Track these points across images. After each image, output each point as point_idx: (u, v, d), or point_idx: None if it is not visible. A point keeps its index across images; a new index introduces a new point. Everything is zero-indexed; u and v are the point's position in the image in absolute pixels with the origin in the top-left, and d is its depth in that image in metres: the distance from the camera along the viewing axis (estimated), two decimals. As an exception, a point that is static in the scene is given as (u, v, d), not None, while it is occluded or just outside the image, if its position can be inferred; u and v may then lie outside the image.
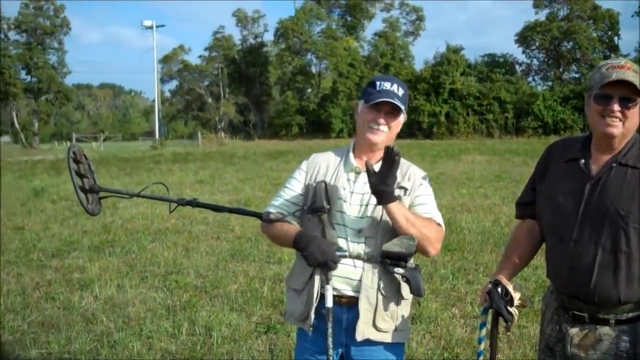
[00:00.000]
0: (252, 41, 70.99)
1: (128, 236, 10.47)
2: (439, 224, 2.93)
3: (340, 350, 3.00)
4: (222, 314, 6.26)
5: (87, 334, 5.75)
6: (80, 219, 12.11)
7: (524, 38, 58.17)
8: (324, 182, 2.95)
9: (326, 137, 53.44)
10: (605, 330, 2.63)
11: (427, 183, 3.05)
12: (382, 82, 2.99)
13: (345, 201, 2.96)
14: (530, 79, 59.45)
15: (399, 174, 2.96)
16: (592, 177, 2.64)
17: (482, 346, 2.92)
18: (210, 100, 72.24)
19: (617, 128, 2.58)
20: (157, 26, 69.04)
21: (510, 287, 2.76)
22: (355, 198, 2.97)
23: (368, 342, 2.93)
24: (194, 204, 3.05)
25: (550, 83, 56.31)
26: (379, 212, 2.91)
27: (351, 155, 3.07)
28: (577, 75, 55.85)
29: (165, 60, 74.13)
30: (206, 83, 74.48)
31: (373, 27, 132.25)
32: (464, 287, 7.16)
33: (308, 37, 63.53)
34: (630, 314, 2.60)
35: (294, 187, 3.09)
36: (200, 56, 74.43)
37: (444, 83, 52.18)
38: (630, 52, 54.96)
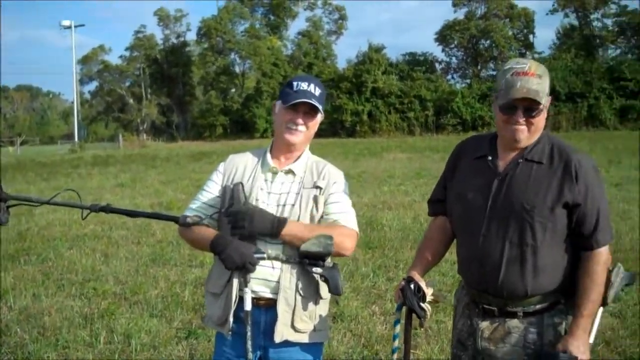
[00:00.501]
0: (175, 41, 70.23)
1: (45, 243, 10.12)
2: (348, 225, 2.95)
3: (258, 353, 2.99)
4: (141, 320, 6.14)
5: (0, 347, 5.55)
6: (-7, 226, 11.64)
7: (443, 37, 59.34)
8: (241, 183, 2.94)
9: (250, 137, 53.24)
10: (514, 323, 2.70)
11: (342, 182, 3.06)
12: (300, 83, 3.00)
13: (263, 202, 2.95)
14: (449, 77, 60.63)
15: (315, 173, 2.99)
16: (499, 173, 2.70)
17: (397, 343, 2.96)
18: (131, 101, 71.02)
19: (522, 133, 2.65)
20: (75, 26, 67.16)
21: (422, 284, 2.80)
22: (273, 198, 2.97)
23: (286, 344, 2.93)
24: (107, 209, 2.99)
25: (468, 81, 57.57)
26: (297, 212, 2.92)
27: (268, 155, 3.07)
28: (494, 73, 57.21)
29: (84, 60, 72.49)
30: (127, 84, 73.23)
31: (296, 26, 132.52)
32: (384, 285, 7.24)
33: (231, 36, 63.23)
34: (538, 306, 2.68)
35: (212, 190, 3.06)
36: (121, 56, 73.28)
37: (366, 82, 52.67)
38: (545, 49, 56.83)
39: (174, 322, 6.11)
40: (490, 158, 2.75)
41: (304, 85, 2.97)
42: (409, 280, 2.80)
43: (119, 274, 8.06)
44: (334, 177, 3.03)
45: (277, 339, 2.89)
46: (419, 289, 2.77)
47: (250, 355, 2.81)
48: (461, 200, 2.80)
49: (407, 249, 8.97)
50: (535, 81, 2.58)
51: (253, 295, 2.86)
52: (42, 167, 28.95)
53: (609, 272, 2.67)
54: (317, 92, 2.98)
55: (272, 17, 67.79)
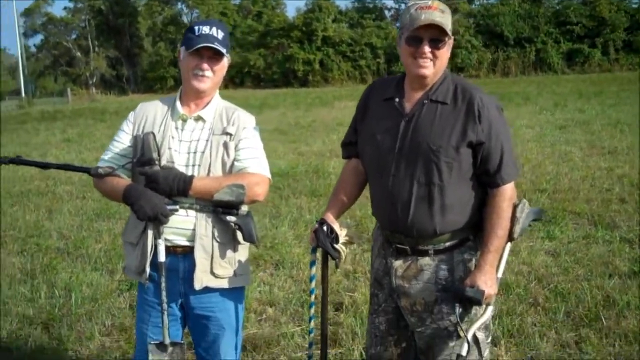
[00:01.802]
0: (119, -9, 68.26)
1: (-14, 201, 9.99)
2: (259, 171, 2.99)
3: (179, 300, 3.05)
4: (83, 274, 6.16)
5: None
6: None
7: (393, -17, 58.98)
8: (152, 132, 2.94)
9: (202, 89, 52.50)
10: (425, 260, 2.79)
11: (253, 128, 3.07)
12: (201, 27, 2.98)
13: (175, 150, 2.96)
14: (398, 23, 60.35)
15: (224, 119, 3.01)
16: (406, 114, 2.76)
17: (314, 284, 3.05)
18: (79, 54, 69.20)
19: (428, 69, 2.70)
20: (15, -23, 64.97)
21: (336, 225, 2.87)
22: (184, 146, 2.98)
23: (207, 290, 2.99)
24: (17, 161, 2.98)
25: (418, 27, 57.44)
26: (207, 159, 2.94)
27: (178, 103, 3.06)
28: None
29: (27, 13, 70.15)
30: (74, 36, 71.18)
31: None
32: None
33: (177, -16, 61.75)
34: (447, 244, 2.77)
35: (123, 140, 3.06)
36: (65, 8, 71.12)
37: (317, 30, 52.05)
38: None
39: (116, 275, 6.13)
40: (397, 100, 2.80)
41: (205, 29, 2.95)
42: (322, 222, 2.87)
43: (63, 229, 8.03)
44: (244, 123, 3.04)
45: (197, 285, 2.94)
46: (331, 230, 2.84)
47: (165, 305, 2.86)
48: (371, 142, 2.85)
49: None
50: (439, 14, 2.64)
51: (169, 244, 2.91)
52: (-13, 124, 28.25)
53: (515, 207, 2.77)
54: (220, 35, 2.97)
55: (218, -35, 66.38)
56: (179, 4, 63.23)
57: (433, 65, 2.70)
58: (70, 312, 5.28)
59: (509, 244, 2.82)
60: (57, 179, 11.56)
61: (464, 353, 2.64)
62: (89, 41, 67.82)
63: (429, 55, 2.68)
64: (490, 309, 2.75)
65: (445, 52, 2.72)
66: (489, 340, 2.88)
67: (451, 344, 2.77)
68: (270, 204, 8.71)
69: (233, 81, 51.78)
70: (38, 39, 73.66)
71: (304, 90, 44.63)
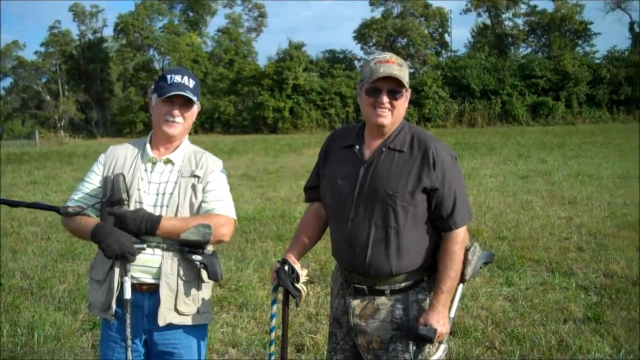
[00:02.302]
0: (91, 37, 68.52)
1: (-50, 241, 9.92)
2: (225, 213, 3.11)
3: (143, 337, 3.12)
4: (46, 313, 6.15)
5: None
6: None
7: (362, 35, 59.80)
8: (122, 174, 3.05)
9: (171, 134, 52.50)
10: (382, 300, 2.92)
11: (220, 171, 3.22)
12: (173, 75, 3.13)
13: (144, 191, 3.08)
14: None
15: (193, 162, 3.14)
16: (365, 161, 2.92)
17: (274, 322, 3.15)
18: (48, 97, 69.00)
19: (386, 118, 2.87)
20: (-14, 21, 64.84)
21: (297, 266, 3.00)
22: (153, 187, 3.10)
23: (170, 327, 3.08)
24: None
25: (387, 78, 58.19)
26: (175, 200, 3.06)
27: (148, 146, 3.19)
28: (412, 71, 58.20)
29: (-3, 56, 69.97)
30: (44, 80, 71.07)
31: (216, 23, 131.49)
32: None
33: (150, 32, 62.10)
34: (403, 284, 2.91)
35: (92, 180, 3.16)
36: (36, 52, 71.08)
37: (287, 79, 52.67)
38: (460, 47, 58.03)
39: (79, 315, 6.15)
40: (357, 147, 2.97)
41: (177, 78, 3.11)
42: (284, 262, 2.99)
43: (27, 269, 8.00)
44: (212, 166, 3.19)
45: (161, 322, 3.03)
46: (292, 270, 2.97)
47: (129, 341, 2.94)
48: (332, 187, 3.00)
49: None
50: (396, 67, 2.83)
51: (135, 282, 3.01)
52: (-47, 165, 27.93)
53: (467, 251, 2.92)
54: (191, 84, 3.13)
55: (190, 14, 67.00)
56: (151, 50, 63.58)
57: (391, 115, 2.87)
58: (32, 351, 5.29)
59: (461, 285, 2.96)
60: (22, 219, 11.53)
61: (416, 389, 2.76)
62: (59, 85, 67.77)
63: (387, 105, 2.85)
64: (443, 347, 2.88)
65: (402, 103, 2.90)
66: (441, 377, 2.99)
67: (406, 380, 2.88)
68: (236, 247, 8.80)
69: (203, 126, 52.02)
70: (7, 82, 73.32)
71: (274, 136, 44.98)
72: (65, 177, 19.71)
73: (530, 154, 22.07)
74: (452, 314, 2.93)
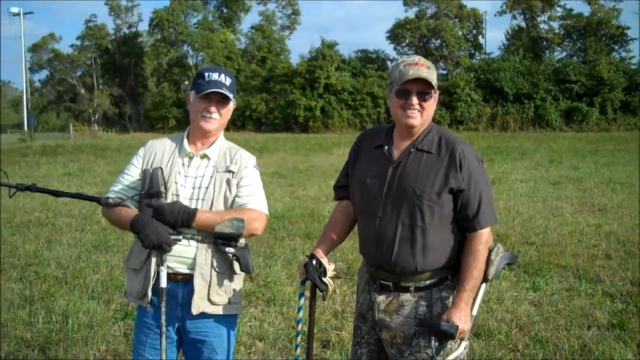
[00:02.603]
0: (126, 31, 69.43)
1: (-12, 230, 10.20)
2: (258, 208, 3.24)
3: (176, 324, 3.25)
4: (80, 302, 6.33)
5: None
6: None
7: (395, 35, 59.85)
8: (160, 168, 3.19)
9: (203, 131, 52.87)
10: (406, 297, 3.02)
11: (254, 167, 3.34)
12: (211, 73, 3.26)
13: (181, 185, 3.21)
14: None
15: (227, 158, 3.27)
16: (394, 161, 3.02)
17: (301, 314, 3.26)
18: (83, 91, 70.02)
19: (416, 119, 2.97)
20: (24, 13, 65.76)
21: (324, 260, 3.10)
22: (189, 181, 3.23)
23: (203, 315, 3.20)
24: (32, 188, 3.20)
25: (420, 79, 58.03)
26: (211, 194, 3.19)
27: (185, 141, 3.31)
28: (444, 72, 58.06)
29: (34, 48, 71.13)
30: (79, 73, 72.12)
31: (249, 20, 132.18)
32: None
33: (184, 28, 62.73)
34: (427, 282, 3.00)
35: (132, 173, 3.30)
36: (72, 45, 72.14)
37: (319, 78, 52.87)
38: (494, 50, 57.77)
39: (112, 305, 6.32)
40: (386, 147, 3.07)
41: (214, 76, 3.23)
42: (312, 256, 3.10)
43: (61, 259, 8.21)
44: (246, 162, 3.31)
45: (194, 311, 3.16)
46: (320, 264, 3.08)
47: (164, 328, 3.07)
48: (361, 185, 3.10)
49: (346, 239, 9.25)
50: (425, 70, 2.92)
51: (170, 271, 3.13)
52: (-11, 155, 28.53)
53: (490, 251, 3.01)
54: (228, 81, 3.25)
55: (225, 10, 67.57)
56: (185, 46, 64.19)
57: (420, 116, 2.97)
58: (66, 337, 5.46)
59: (484, 285, 3.05)
60: (57, 211, 11.81)
61: (437, 383, 2.85)
62: (93, 79, 68.74)
63: (417, 106, 2.95)
64: (464, 344, 2.96)
65: (431, 104, 2.99)
66: (463, 373, 3.08)
67: (427, 375, 2.97)
68: (265, 244, 8.93)
69: (235, 124, 52.36)
70: (43, 74, 74.57)
71: (304, 135, 45.12)
72: (99, 171, 20.05)
73: (562, 160, 21.94)
74: (474, 312, 3.01)
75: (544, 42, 57.58)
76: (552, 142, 31.84)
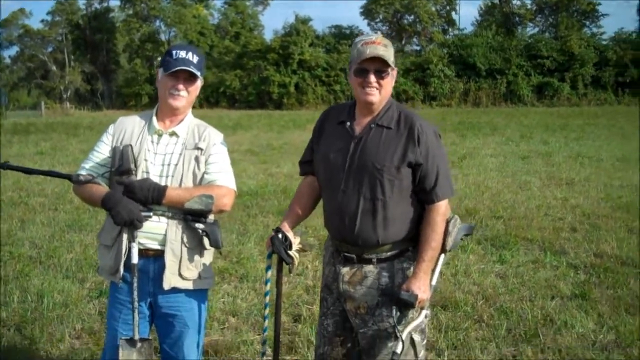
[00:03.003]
0: (98, 6, 68.25)
1: (-41, 210, 10.18)
2: (226, 184, 3.34)
3: (148, 299, 3.36)
4: (54, 281, 6.40)
5: None
6: None
7: (369, 11, 59.62)
8: (130, 145, 3.27)
9: (176, 107, 52.53)
10: (369, 268, 3.15)
11: (221, 144, 3.44)
12: (178, 51, 3.34)
13: (150, 162, 3.30)
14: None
15: (196, 135, 3.36)
16: (355, 136, 3.14)
17: (269, 287, 3.39)
18: (54, 68, 69.04)
19: (375, 96, 3.09)
20: (-8, -12, 64.72)
21: (290, 234, 3.22)
22: (158, 158, 3.32)
23: (174, 290, 3.31)
24: (4, 166, 3.26)
25: (393, 55, 58.06)
26: (180, 171, 3.29)
27: (154, 118, 3.40)
28: (417, 48, 58.13)
29: (4, 24, 69.87)
30: (50, 49, 71.05)
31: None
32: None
33: (156, 3, 61.89)
34: (389, 253, 3.14)
35: (102, 150, 3.38)
36: (42, 21, 71.06)
37: (293, 54, 52.56)
38: (467, 26, 57.82)
39: (86, 283, 6.40)
40: (348, 123, 3.18)
41: (182, 54, 3.31)
42: (278, 230, 3.22)
43: (35, 238, 8.25)
44: (214, 139, 3.40)
45: (166, 286, 3.27)
46: (286, 238, 3.19)
47: (136, 304, 3.18)
48: (325, 160, 3.22)
49: (318, 215, 9.38)
50: (382, 48, 3.04)
51: (141, 247, 3.23)
52: (-42, 134, 28.18)
53: (447, 222, 3.14)
54: (195, 59, 3.33)
55: (198, -15, 66.93)
56: (157, 22, 63.51)
57: (379, 93, 3.09)
58: (42, 316, 5.52)
59: (442, 255, 3.19)
60: (30, 190, 11.79)
61: (398, 351, 2.99)
62: (65, 55, 67.75)
63: (375, 84, 3.07)
64: (424, 312, 3.11)
65: (389, 82, 3.11)
66: (424, 342, 3.23)
67: (390, 344, 3.11)
68: (239, 221, 9.04)
69: (208, 100, 52.03)
70: (13, 50, 73.42)
71: (278, 112, 45.05)
72: (71, 149, 19.94)
73: (532, 135, 22.22)
74: (433, 282, 3.15)
75: (517, 18, 57.76)
76: (523, 118, 32.15)
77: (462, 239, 3.29)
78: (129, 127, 3.40)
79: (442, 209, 3.10)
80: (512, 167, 14.66)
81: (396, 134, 3.08)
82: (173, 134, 3.37)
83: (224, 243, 3.36)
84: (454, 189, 3.20)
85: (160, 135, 3.36)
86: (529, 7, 57.90)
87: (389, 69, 3.07)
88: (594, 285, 6.30)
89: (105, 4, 68.22)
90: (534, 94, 49.27)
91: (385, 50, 3.04)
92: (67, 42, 67.64)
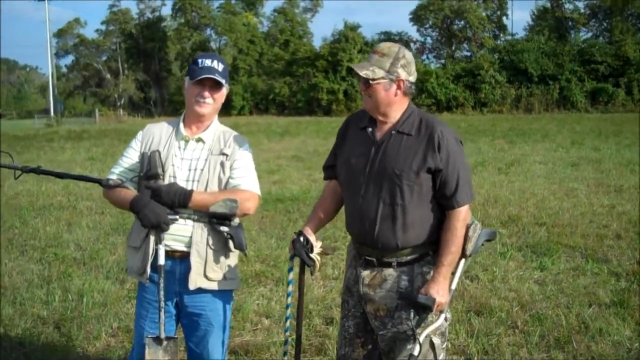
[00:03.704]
0: (150, 15, 69.78)
1: (11, 212, 10.51)
2: (250, 188, 3.41)
3: (175, 299, 3.44)
4: (95, 282, 6.57)
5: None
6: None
7: (418, 17, 59.48)
8: (158, 151, 3.36)
9: (227, 115, 52.90)
10: (389, 271, 3.17)
11: (246, 150, 3.51)
12: (204, 60, 3.42)
13: (177, 167, 3.39)
14: (424, 57, 60.74)
15: (222, 141, 3.44)
16: (376, 142, 3.17)
17: (291, 287, 3.45)
18: (108, 76, 70.70)
19: (366, 103, 3.20)
20: (49, -2, 66.44)
21: (312, 237, 3.27)
22: (185, 163, 3.41)
23: (199, 291, 3.38)
24: (37, 171, 3.39)
25: (443, 61, 57.76)
26: (205, 175, 3.37)
27: (182, 125, 3.49)
28: (468, 54, 57.70)
29: (60, 34, 71.95)
30: (104, 58, 72.83)
31: (272, 3, 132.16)
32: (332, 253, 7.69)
33: (207, 11, 62.98)
34: (409, 257, 3.15)
35: (131, 156, 3.49)
36: (97, 30, 72.79)
37: (342, 60, 52.64)
38: (519, 31, 57.18)
39: (126, 284, 6.54)
40: (370, 129, 3.22)
41: (207, 62, 3.40)
42: (300, 234, 3.28)
43: (80, 241, 8.47)
44: (239, 145, 3.48)
45: (191, 286, 3.34)
46: (307, 241, 3.24)
47: (162, 303, 3.26)
48: (346, 164, 3.26)
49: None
50: (373, 60, 3.12)
51: (168, 249, 3.32)
52: (17, 140, 29.04)
53: (468, 228, 3.14)
54: (220, 67, 3.41)
55: (247, -7, 67.68)
56: (208, 30, 64.46)
57: (370, 101, 3.16)
58: (80, 315, 5.68)
59: (463, 260, 3.18)
60: (78, 194, 12.11)
61: (415, 353, 3.00)
62: (118, 63, 69.28)
63: (364, 93, 3.16)
64: (443, 316, 3.11)
65: (377, 90, 3.12)
66: (445, 345, 3.24)
67: (408, 346, 3.12)
68: (279, 225, 9.12)
69: (258, 107, 52.56)
70: (69, 59, 75.46)
71: (327, 119, 45.14)
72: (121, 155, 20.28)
73: (584, 142, 21.79)
74: (452, 287, 3.16)
75: (569, 23, 56.87)
76: (575, 124, 31.56)
77: (483, 244, 3.28)
78: (157, 133, 3.51)
79: (462, 214, 3.10)
80: (560, 173, 14.42)
81: (416, 140, 3.10)
82: (199, 140, 3.45)
83: (265, 247, 3.42)
84: (473, 195, 3.20)
85: (187, 141, 3.46)
86: (582, 11, 56.99)
87: (371, 82, 3.11)
88: (633, 293, 6.17)
89: (157, 14, 69.70)
90: (588, 100, 48.28)
91: (377, 61, 3.10)
92: (120, 51, 69.24)
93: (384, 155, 3.12)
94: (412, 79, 3.17)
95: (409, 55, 3.17)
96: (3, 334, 5.28)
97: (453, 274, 3.15)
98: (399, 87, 3.13)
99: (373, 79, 3.09)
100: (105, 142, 25.81)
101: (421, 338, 3.03)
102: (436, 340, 3.15)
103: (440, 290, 3.04)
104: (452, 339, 5.11)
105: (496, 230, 3.53)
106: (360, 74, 3.08)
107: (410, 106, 3.21)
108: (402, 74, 3.12)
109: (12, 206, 11.12)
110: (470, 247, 3.14)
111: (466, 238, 3.12)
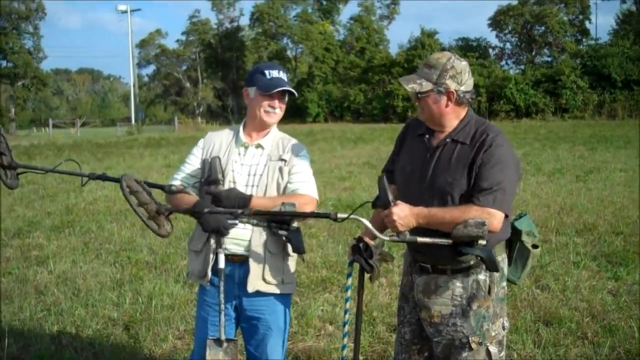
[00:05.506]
0: (228, 25, 71.08)
1: (89, 217, 10.87)
2: (308, 193, 3.45)
3: (234, 302, 3.50)
4: (165, 285, 6.73)
5: (38, 304, 6.21)
6: (45, 201, 12.52)
7: (497, 22, 58.48)
8: (218, 157, 3.44)
9: (302, 122, 53.35)
10: (443, 278, 3.14)
11: (304, 155, 3.57)
12: (271, 71, 3.52)
13: (237, 172, 3.46)
14: (503, 62, 59.57)
15: (280, 147, 3.50)
16: (431, 149, 3.16)
17: (349, 293, 3.47)
18: (188, 85, 72.35)
19: (420, 115, 3.21)
20: (132, 10, 68.50)
21: (371, 243, 3.27)
22: (245, 169, 3.48)
23: (258, 294, 3.44)
24: (103, 177, 3.51)
25: (522, 67, 56.59)
26: (264, 180, 3.43)
27: (242, 132, 3.57)
28: (548, 59, 56.34)
29: (142, 44, 74.05)
30: (184, 68, 74.59)
31: (348, 11, 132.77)
32: (397, 259, 7.63)
33: (284, 21, 63.77)
34: (463, 265, 3.10)
35: (193, 162, 3.59)
36: (177, 40, 74.59)
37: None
38: (603, 35, 55.54)
39: (195, 288, 6.62)
40: (427, 136, 3.20)
41: (275, 73, 3.49)
42: (359, 239, 3.28)
43: (153, 245, 8.68)
44: (297, 151, 3.54)
45: (250, 289, 3.39)
46: (367, 247, 3.24)
47: (222, 306, 3.31)
48: (402, 171, 3.26)
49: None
50: (415, 77, 3.15)
51: (228, 253, 3.37)
52: (98, 147, 30.04)
53: (472, 219, 2.92)
54: (286, 77, 3.52)
55: (324, 2, 68.09)
56: (285, 39, 65.20)
57: (422, 112, 3.16)
58: (149, 317, 5.83)
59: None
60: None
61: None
62: (198, 72, 70.76)
63: (419, 105, 3.16)
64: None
65: (427, 102, 3.12)
66: (502, 355, 3.17)
67: (464, 354, 3.08)
68: (348, 232, 9.12)
69: (333, 115, 52.72)
70: (151, 69, 77.64)
71: (402, 126, 44.81)
72: (198, 162, 20.70)
73: (665, 149, 21.00)
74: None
75: (656, 26, 54.89)
76: (659, 130, 30.45)
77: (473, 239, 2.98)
78: (217, 140, 3.60)
79: (474, 211, 2.93)
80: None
81: (469, 148, 3.07)
82: (259, 146, 3.53)
83: (332, 253, 3.44)
84: (505, 209, 3.00)
85: (246, 148, 3.54)
86: (669, 14, 54.91)
87: (421, 95, 3.11)
88: None
89: (235, 24, 70.88)
90: (674, 105, 46.45)
91: (425, 74, 3.12)
92: (200, 60, 70.76)
93: (437, 163, 3.11)
94: (465, 88, 3.12)
95: (459, 65, 3.12)
96: (75, 335, 5.47)
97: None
98: (449, 99, 3.10)
99: (420, 92, 3.07)
100: (183, 150, 26.25)
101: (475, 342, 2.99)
102: (493, 349, 3.10)
103: (401, 212, 2.97)
104: (519, 349, 5.02)
105: (490, 248, 3.16)
106: (407, 88, 3.08)
107: (468, 115, 3.18)
108: (452, 85, 3.08)
109: (90, 211, 11.49)
110: (460, 228, 2.91)
111: (461, 222, 2.92)
